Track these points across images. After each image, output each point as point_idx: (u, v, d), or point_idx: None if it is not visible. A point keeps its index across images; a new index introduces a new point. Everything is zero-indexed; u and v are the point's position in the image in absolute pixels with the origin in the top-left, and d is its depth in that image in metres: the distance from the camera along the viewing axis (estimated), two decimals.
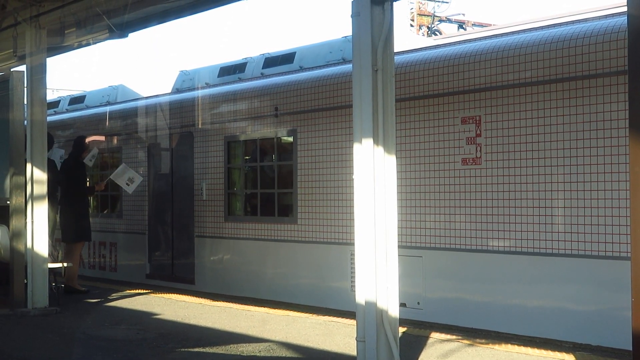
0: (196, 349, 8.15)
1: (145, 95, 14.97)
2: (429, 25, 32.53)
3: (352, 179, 6.86)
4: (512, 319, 8.60)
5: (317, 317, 9.80)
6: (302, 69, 11.80)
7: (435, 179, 9.32)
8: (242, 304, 11.03)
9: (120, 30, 10.50)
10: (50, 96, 19.22)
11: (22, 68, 10.92)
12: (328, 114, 10.62)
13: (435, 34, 29.26)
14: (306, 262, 10.98)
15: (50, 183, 10.93)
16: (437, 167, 9.30)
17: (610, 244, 7.84)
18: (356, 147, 6.74)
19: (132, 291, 12.56)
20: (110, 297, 11.95)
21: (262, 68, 12.62)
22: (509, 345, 7.93)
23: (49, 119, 11.29)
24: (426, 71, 9.47)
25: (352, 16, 6.80)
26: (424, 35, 29.69)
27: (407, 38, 11.82)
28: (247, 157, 12.18)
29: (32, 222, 10.37)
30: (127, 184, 12.68)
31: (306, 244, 10.92)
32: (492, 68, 8.82)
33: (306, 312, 10.18)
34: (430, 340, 8.20)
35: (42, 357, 8.01)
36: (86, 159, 12.71)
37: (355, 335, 6.76)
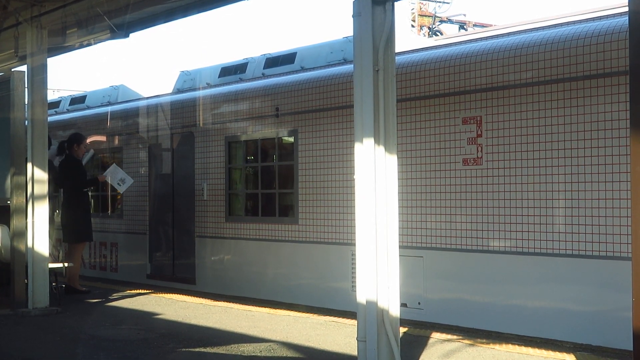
0: (197, 349, 8.15)
1: (146, 96, 14.97)
2: (430, 26, 32.49)
3: (353, 179, 6.86)
4: (513, 319, 8.60)
5: (318, 317, 9.81)
6: (303, 69, 11.80)
7: (436, 179, 9.32)
8: (243, 304, 11.04)
9: (122, 30, 10.50)
10: (51, 96, 19.23)
11: (23, 68, 10.93)
12: (329, 114, 10.62)
13: (437, 35, 29.26)
14: (307, 262, 10.98)
15: (50, 183, 10.93)
16: (438, 168, 9.30)
17: (610, 244, 7.84)
18: (357, 147, 6.74)
19: (133, 291, 12.57)
20: (111, 297, 11.95)
21: (263, 68, 12.61)
22: (510, 346, 7.93)
23: (49, 119, 11.30)
24: (427, 71, 9.47)
25: (353, 16, 6.80)
26: (425, 35, 29.68)
27: (408, 38, 11.83)
28: (248, 158, 12.19)
29: (33, 222, 10.37)
30: (118, 184, 12.74)
31: (307, 244, 10.92)
32: (493, 68, 8.82)
33: (307, 313, 10.19)
34: (431, 340, 8.20)
35: (43, 357, 8.03)
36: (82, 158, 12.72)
37: (356, 335, 6.76)
